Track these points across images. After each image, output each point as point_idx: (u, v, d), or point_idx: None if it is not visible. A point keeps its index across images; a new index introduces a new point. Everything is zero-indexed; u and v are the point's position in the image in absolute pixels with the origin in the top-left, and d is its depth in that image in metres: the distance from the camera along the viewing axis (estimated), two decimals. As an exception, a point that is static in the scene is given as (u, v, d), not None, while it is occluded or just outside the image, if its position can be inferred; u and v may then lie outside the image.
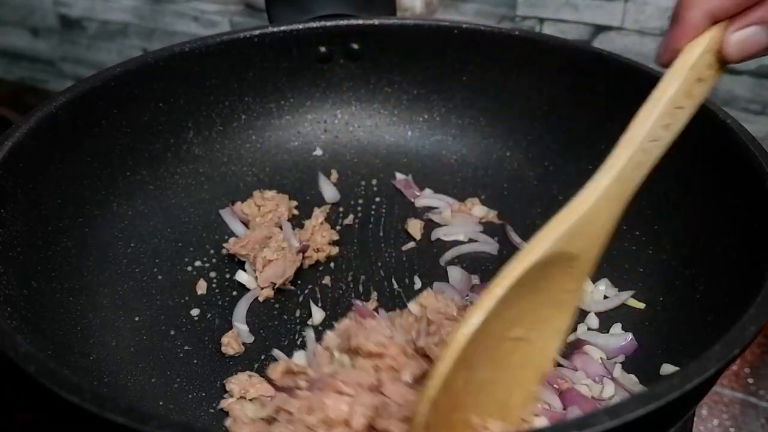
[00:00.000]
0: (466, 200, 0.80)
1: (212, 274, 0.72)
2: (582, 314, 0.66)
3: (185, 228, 0.77)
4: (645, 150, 0.48)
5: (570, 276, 0.48)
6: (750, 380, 0.74)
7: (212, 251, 0.75)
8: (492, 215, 0.79)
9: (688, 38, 0.48)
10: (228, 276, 0.72)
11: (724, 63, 0.49)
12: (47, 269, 0.62)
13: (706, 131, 0.65)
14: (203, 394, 0.60)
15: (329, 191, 0.82)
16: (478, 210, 0.79)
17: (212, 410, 0.59)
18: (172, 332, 0.65)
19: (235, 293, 0.70)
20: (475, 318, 0.42)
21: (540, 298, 0.47)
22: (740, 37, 0.48)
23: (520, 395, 0.50)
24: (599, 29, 0.94)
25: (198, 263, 0.73)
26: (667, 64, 0.49)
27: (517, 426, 0.51)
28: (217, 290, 0.70)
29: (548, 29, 0.97)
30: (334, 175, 0.84)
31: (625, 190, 0.49)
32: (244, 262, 0.72)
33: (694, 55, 0.48)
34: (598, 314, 0.66)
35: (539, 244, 0.45)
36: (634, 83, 0.72)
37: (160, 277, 0.71)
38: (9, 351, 0.43)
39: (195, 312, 0.68)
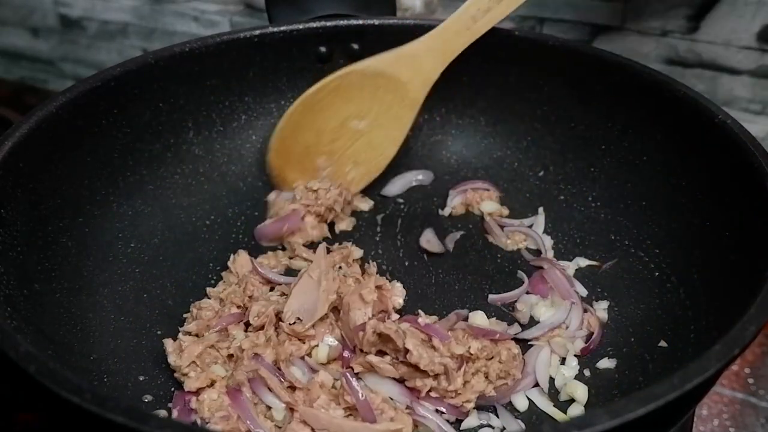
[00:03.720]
0: (479, 192, 0.81)
1: (212, 274, 0.72)
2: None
3: (185, 228, 0.77)
4: (465, 24, 0.72)
5: (401, 97, 0.74)
6: (750, 380, 0.74)
7: (212, 251, 0.75)
8: (505, 212, 0.79)
9: None
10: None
11: None
12: (47, 269, 0.62)
13: (706, 131, 0.65)
14: (203, 394, 0.60)
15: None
16: (488, 206, 0.79)
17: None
18: (173, 332, 0.65)
19: (235, 293, 0.70)
20: (312, 88, 0.75)
21: (379, 106, 0.74)
22: None
23: (359, 177, 0.79)
24: (599, 29, 0.94)
25: (198, 264, 0.73)
26: None
27: (356, 188, 0.80)
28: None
29: (548, 29, 0.97)
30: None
31: (450, 49, 0.73)
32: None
33: None
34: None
35: (366, 61, 0.73)
36: (634, 83, 0.73)
37: (160, 278, 0.71)
38: (9, 351, 0.43)
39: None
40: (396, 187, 0.83)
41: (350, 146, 0.77)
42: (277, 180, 0.79)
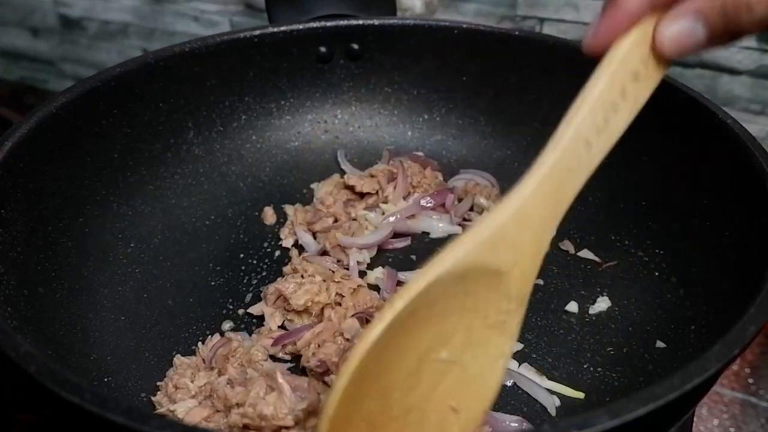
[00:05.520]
0: (479, 187, 0.81)
1: (212, 275, 0.72)
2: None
3: (185, 228, 0.77)
4: (577, 155, 0.44)
5: (502, 295, 0.43)
6: (750, 380, 0.74)
7: (212, 251, 0.75)
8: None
9: (622, 26, 0.43)
10: (227, 276, 0.72)
11: (662, 58, 0.44)
12: (47, 269, 0.62)
13: (706, 131, 0.65)
14: (203, 394, 0.60)
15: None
16: (481, 201, 0.79)
17: (212, 410, 0.59)
18: (173, 332, 0.65)
19: (234, 293, 0.70)
20: (373, 332, 0.39)
21: (469, 317, 0.43)
22: (675, 30, 0.42)
23: (460, 426, 0.45)
24: (599, 29, 0.94)
25: (198, 264, 0.73)
26: (595, 54, 0.44)
27: None
28: (216, 290, 0.70)
29: (548, 29, 0.97)
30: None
31: (558, 200, 0.44)
32: (242, 271, 0.73)
33: (624, 47, 0.43)
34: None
35: (448, 255, 0.40)
36: (634, 83, 0.72)
37: (160, 278, 0.71)
38: (9, 351, 0.43)
39: (195, 312, 0.68)
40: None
41: (435, 390, 0.44)
42: None
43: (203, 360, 0.61)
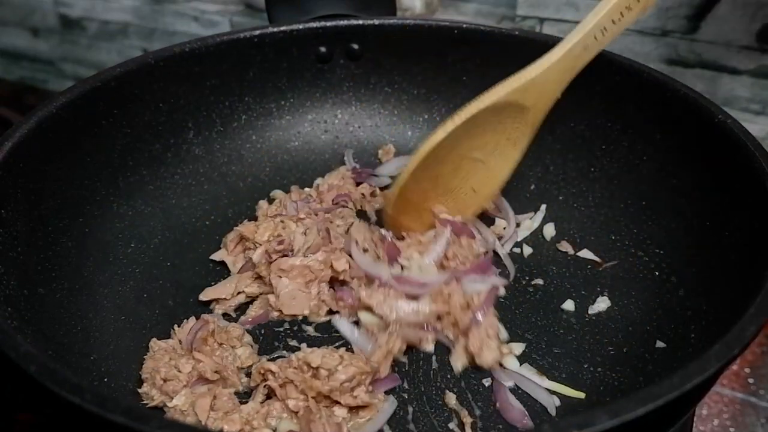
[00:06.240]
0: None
1: (212, 275, 0.72)
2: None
3: (185, 228, 0.77)
4: (595, 36, 0.63)
5: (522, 122, 0.67)
6: (750, 380, 0.74)
7: (212, 251, 0.75)
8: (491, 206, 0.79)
9: None
10: (227, 276, 0.72)
11: None
12: (47, 269, 0.62)
13: (707, 131, 0.65)
14: (203, 394, 0.60)
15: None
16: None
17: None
18: (173, 333, 0.65)
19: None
20: (438, 135, 0.64)
21: (497, 134, 0.67)
22: None
23: (475, 203, 0.73)
24: (599, 29, 0.94)
25: (198, 264, 0.73)
26: None
27: (472, 215, 0.74)
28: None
29: (548, 29, 0.97)
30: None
31: (574, 66, 0.65)
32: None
33: None
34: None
35: (497, 91, 0.64)
36: (634, 83, 0.73)
37: (160, 278, 0.71)
38: (9, 351, 0.43)
39: (195, 312, 0.68)
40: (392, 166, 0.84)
41: (468, 178, 0.70)
42: (393, 227, 0.71)
43: (180, 341, 0.62)
